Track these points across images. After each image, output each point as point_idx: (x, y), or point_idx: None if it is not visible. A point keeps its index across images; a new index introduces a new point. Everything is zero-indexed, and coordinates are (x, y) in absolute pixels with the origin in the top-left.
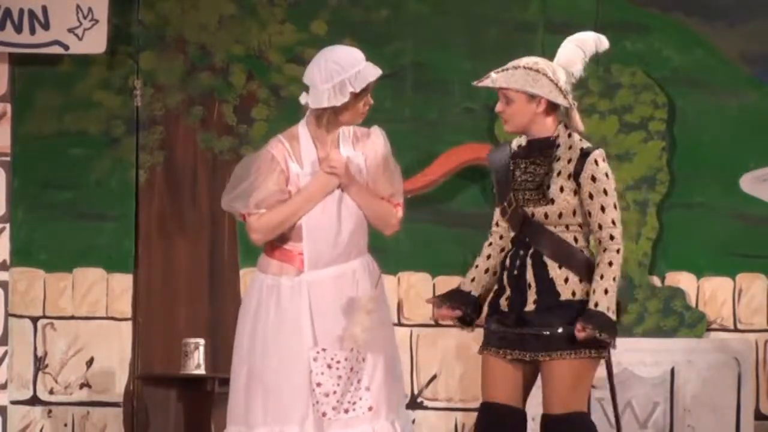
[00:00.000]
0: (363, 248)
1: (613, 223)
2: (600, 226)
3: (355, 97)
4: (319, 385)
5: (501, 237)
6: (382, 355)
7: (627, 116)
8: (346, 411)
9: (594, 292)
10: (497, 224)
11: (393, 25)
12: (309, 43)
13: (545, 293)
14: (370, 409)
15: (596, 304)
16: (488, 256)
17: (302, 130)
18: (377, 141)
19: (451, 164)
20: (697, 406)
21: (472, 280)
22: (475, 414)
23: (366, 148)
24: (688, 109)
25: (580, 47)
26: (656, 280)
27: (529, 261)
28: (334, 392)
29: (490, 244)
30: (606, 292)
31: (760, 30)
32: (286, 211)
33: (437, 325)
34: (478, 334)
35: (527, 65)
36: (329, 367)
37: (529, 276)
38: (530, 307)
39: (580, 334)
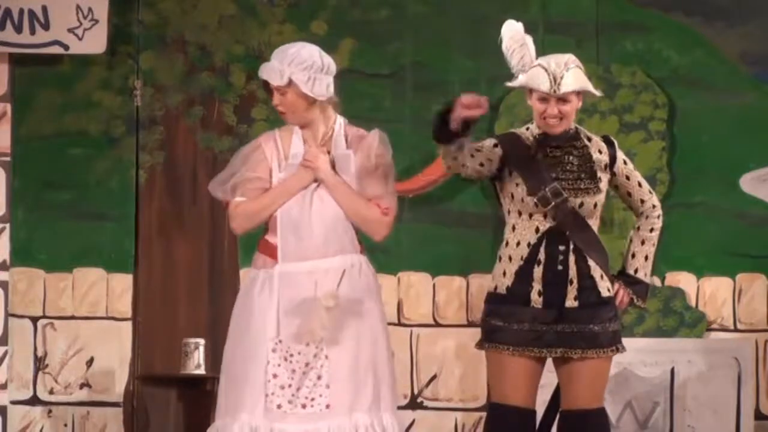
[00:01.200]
0: (346, 246)
1: (650, 192)
2: (642, 201)
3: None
4: (275, 376)
5: (481, 164)
6: (350, 353)
7: (627, 116)
8: (304, 406)
9: (633, 256)
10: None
11: (393, 25)
12: (309, 43)
13: (587, 290)
14: (327, 407)
15: (636, 271)
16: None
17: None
18: (372, 142)
19: None
20: (697, 406)
21: None
22: (475, 414)
23: (358, 148)
24: (688, 109)
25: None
26: (656, 280)
27: (572, 257)
28: (289, 385)
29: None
30: (646, 258)
31: (760, 30)
32: (263, 201)
33: (437, 325)
34: (477, 333)
35: (574, 62)
36: (285, 359)
37: (572, 272)
38: (572, 303)
39: (623, 303)
